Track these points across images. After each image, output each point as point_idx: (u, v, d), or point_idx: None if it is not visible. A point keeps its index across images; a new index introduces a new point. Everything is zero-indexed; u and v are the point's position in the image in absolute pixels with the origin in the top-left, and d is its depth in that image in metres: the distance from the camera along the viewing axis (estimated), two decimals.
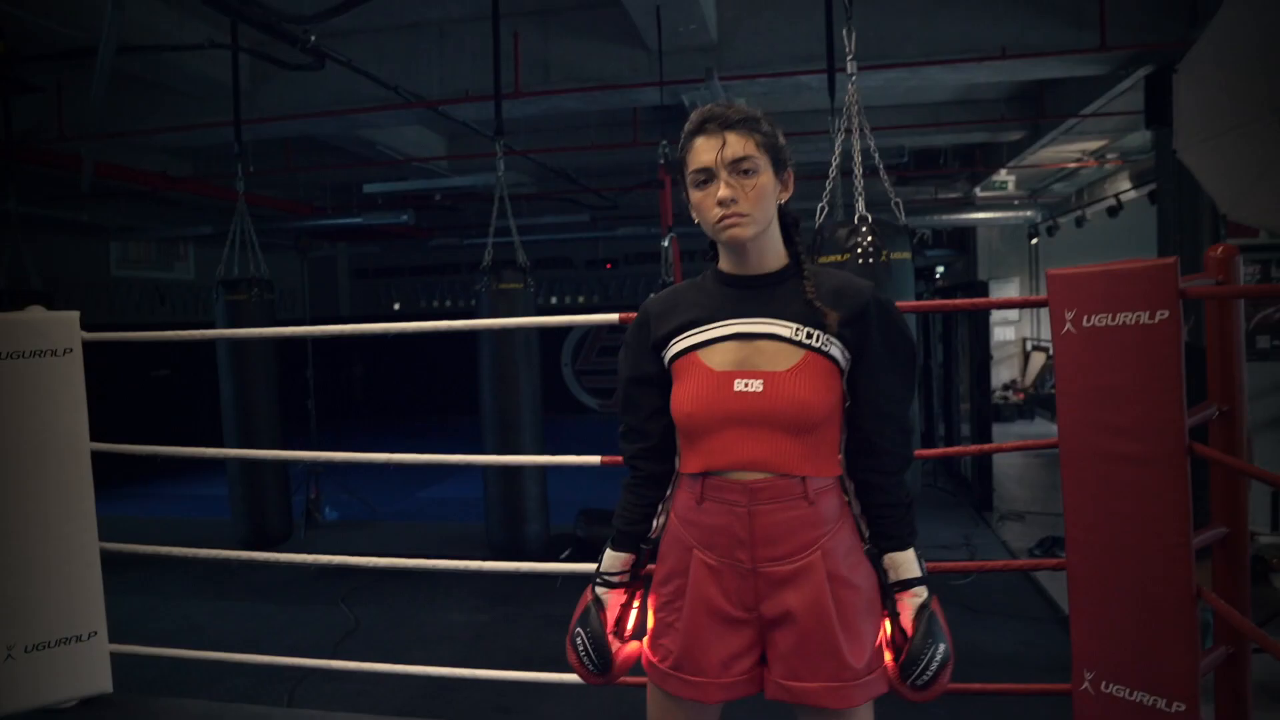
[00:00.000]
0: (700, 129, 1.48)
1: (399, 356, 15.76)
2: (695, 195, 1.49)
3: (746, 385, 1.46)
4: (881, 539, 1.55)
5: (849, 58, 3.39)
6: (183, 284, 12.31)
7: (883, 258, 3.06)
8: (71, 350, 2.85)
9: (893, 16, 5.91)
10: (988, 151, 10.49)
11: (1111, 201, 10.41)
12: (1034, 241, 12.89)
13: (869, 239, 3.08)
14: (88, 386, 2.87)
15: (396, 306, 16.09)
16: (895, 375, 1.53)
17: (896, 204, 3.20)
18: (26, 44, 6.21)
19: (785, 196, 1.55)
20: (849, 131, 3.30)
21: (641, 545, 1.66)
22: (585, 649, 1.61)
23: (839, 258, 3.10)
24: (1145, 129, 6.22)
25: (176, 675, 4.02)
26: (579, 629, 1.63)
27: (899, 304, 1.63)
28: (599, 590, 1.66)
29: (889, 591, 1.54)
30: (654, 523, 1.66)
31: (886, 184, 3.21)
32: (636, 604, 1.66)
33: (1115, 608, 2.12)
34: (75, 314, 2.90)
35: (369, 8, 6.49)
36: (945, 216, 11.92)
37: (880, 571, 1.54)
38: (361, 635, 4.87)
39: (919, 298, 10.59)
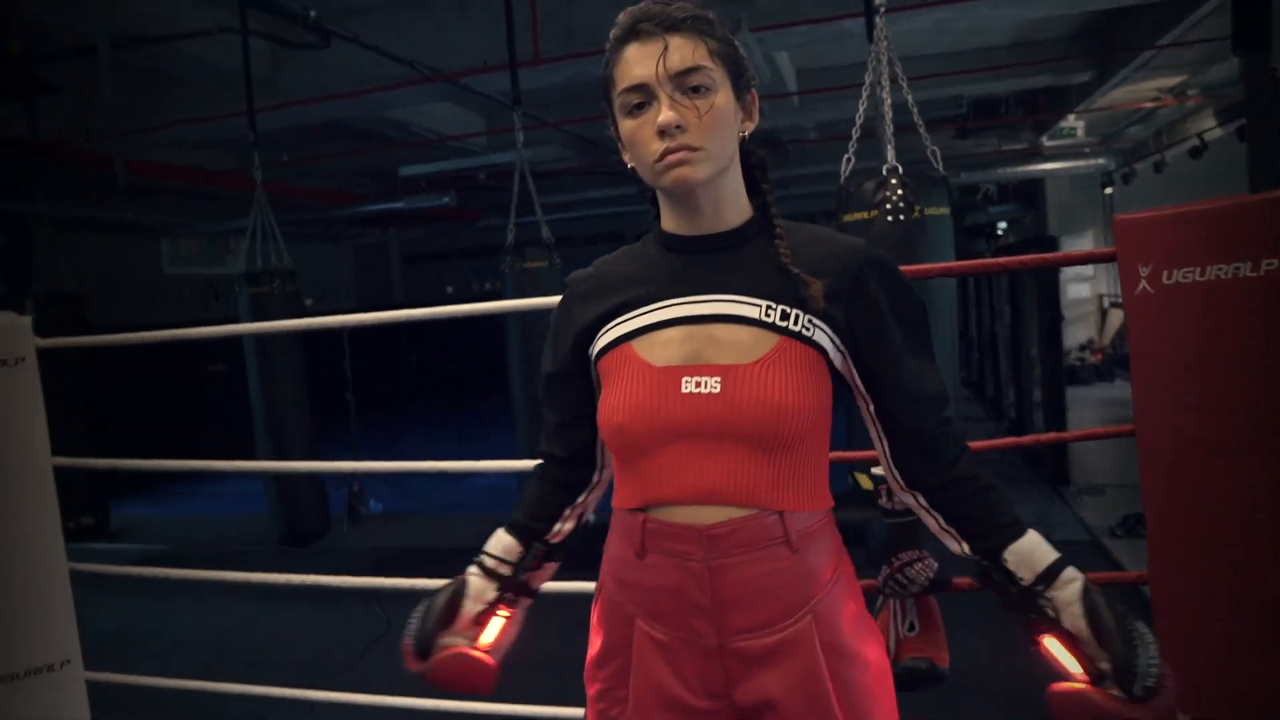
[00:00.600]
0: (632, 33, 1.09)
1: (454, 341, 15.64)
2: (627, 126, 1.10)
3: (698, 385, 1.08)
4: (990, 535, 1.14)
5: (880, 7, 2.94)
6: (234, 278, 12.31)
7: (915, 213, 2.64)
8: (24, 359, 2.60)
9: None
10: (1054, 96, 9.76)
11: (1194, 142, 9.61)
12: (1108, 191, 12.07)
13: (899, 192, 2.66)
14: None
15: (449, 290, 15.93)
16: (917, 346, 1.16)
17: (932, 152, 2.77)
18: (44, 43, 6.09)
19: (749, 128, 1.16)
20: (880, 83, 2.87)
21: (534, 543, 1.30)
22: (414, 631, 1.23)
23: (865, 215, 2.69)
24: (1233, 55, 5.57)
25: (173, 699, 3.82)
26: (422, 606, 1.25)
27: (935, 266, 1.22)
28: (470, 573, 1.29)
29: (1029, 597, 1.10)
30: (557, 526, 1.31)
31: (921, 127, 2.77)
32: (504, 614, 1.27)
33: (1211, 631, 1.70)
34: (26, 320, 2.66)
35: None
36: (1011, 169, 11.22)
37: (1003, 582, 1.12)
38: (391, 637, 4.63)
39: (981, 254, 10.04)
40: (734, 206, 1.15)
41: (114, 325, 9.42)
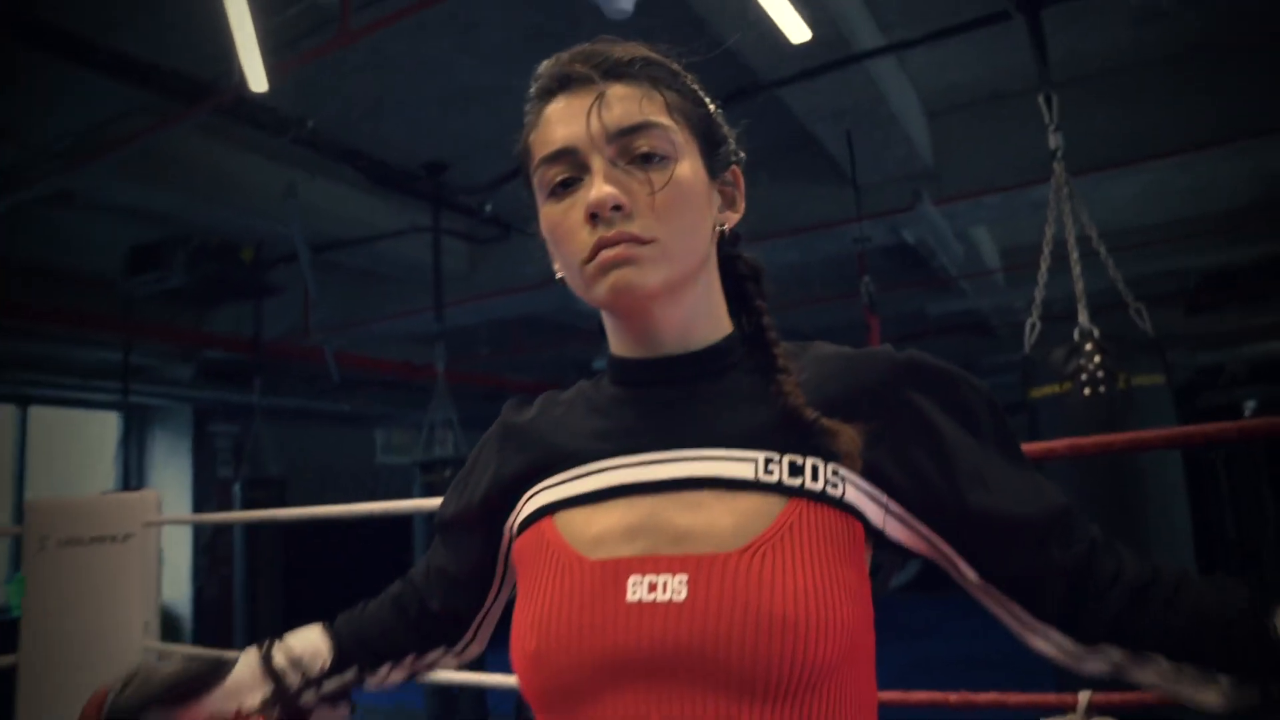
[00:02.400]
0: (558, 82, 0.78)
1: None
2: (549, 213, 0.77)
3: (653, 590, 0.69)
4: (1243, 621, 0.69)
5: (1056, 152, 2.62)
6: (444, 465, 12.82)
7: (1120, 383, 2.15)
8: (131, 535, 2.55)
9: (1149, 105, 4.96)
10: None
11: None
12: None
13: (1096, 359, 2.19)
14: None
15: None
16: (1005, 459, 0.75)
17: (1138, 311, 2.30)
18: (269, 249, 6.72)
19: (732, 220, 0.82)
20: (1062, 220, 2.49)
21: (350, 666, 0.92)
22: (118, 691, 0.85)
23: (1056, 388, 2.23)
24: None
25: None
26: (149, 668, 0.88)
27: (1147, 434, 0.91)
28: (245, 657, 0.91)
29: None
30: (386, 666, 0.93)
31: (1119, 282, 2.33)
32: None
33: None
34: (151, 494, 2.63)
35: None
36: (1262, 345, 9.98)
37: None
38: None
39: (1225, 445, 8.78)
40: (708, 323, 0.80)
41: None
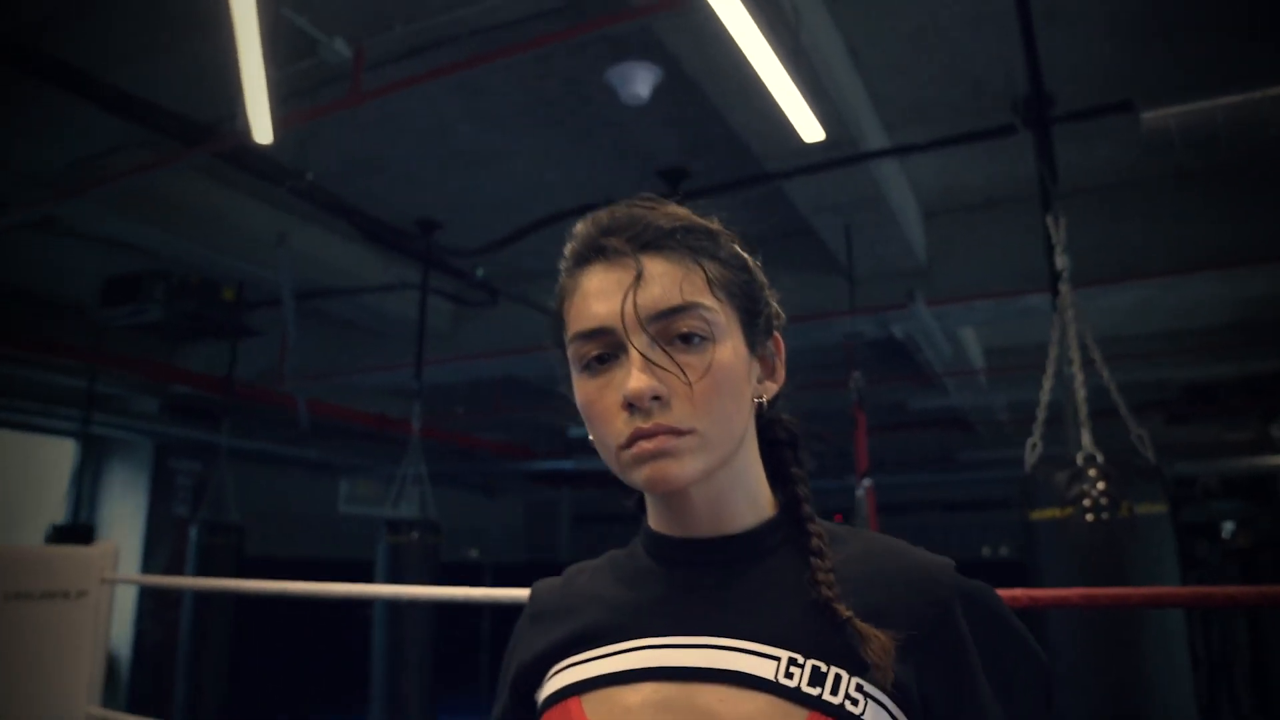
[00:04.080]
0: (594, 250, 0.76)
1: None
2: (584, 388, 0.76)
3: None
4: None
5: (1063, 273, 2.63)
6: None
7: (1123, 511, 2.12)
8: (85, 593, 2.43)
9: (1141, 225, 5.05)
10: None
11: None
12: None
13: (1100, 485, 2.16)
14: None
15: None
16: None
17: (1139, 437, 2.28)
18: (251, 291, 6.65)
19: (770, 391, 0.81)
20: (1067, 357, 2.48)
21: None
22: None
23: (1056, 512, 2.19)
24: None
25: None
26: None
27: (1157, 590, 0.86)
28: None
29: None
30: None
31: (1122, 408, 2.31)
32: None
33: None
34: (108, 547, 2.52)
35: (559, 246, 6.54)
36: (1236, 461, 10.07)
37: None
38: None
39: (1203, 563, 8.79)
40: (745, 502, 0.78)
41: (270, 558, 9.68)
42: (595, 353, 0.74)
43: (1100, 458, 2.23)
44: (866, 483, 4.19)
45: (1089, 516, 2.14)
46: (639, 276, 0.73)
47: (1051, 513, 2.19)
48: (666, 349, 0.72)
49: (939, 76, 4.15)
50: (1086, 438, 2.26)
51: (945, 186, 5.27)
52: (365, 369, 7.94)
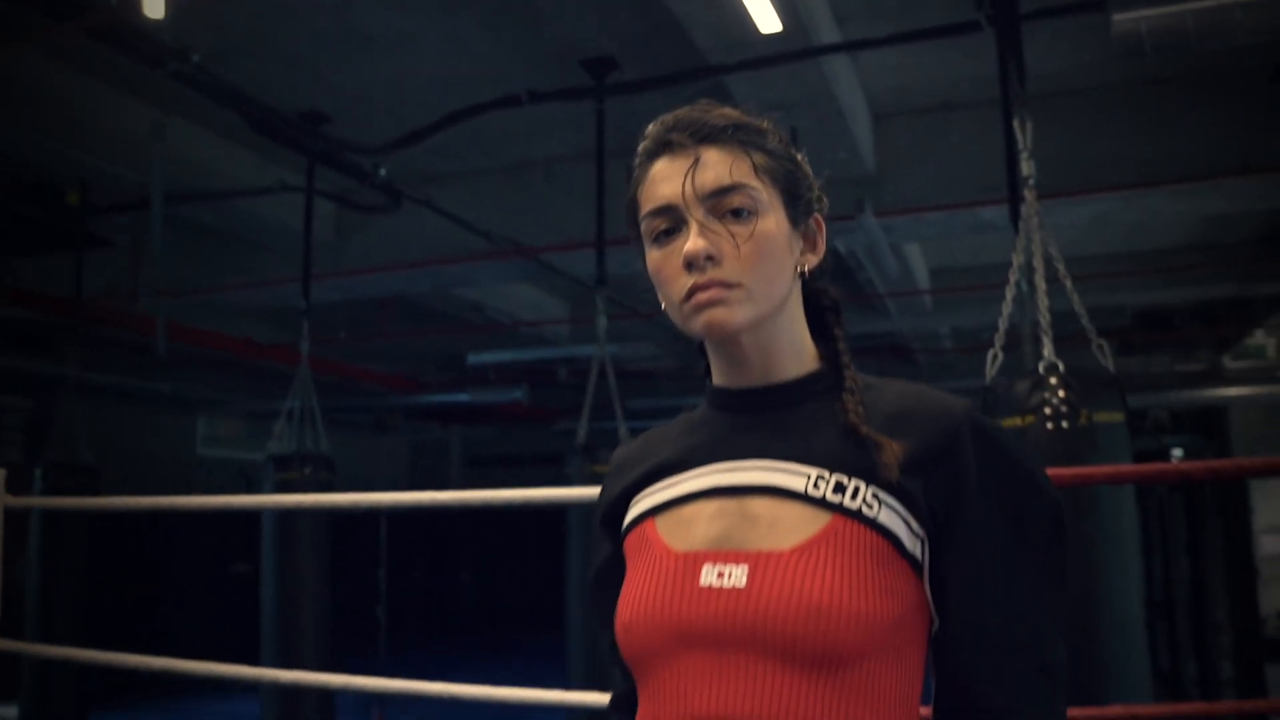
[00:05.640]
0: (662, 145, 1.04)
1: (515, 562, 15.46)
2: (653, 256, 1.04)
3: (720, 577, 0.97)
4: None
5: (1029, 179, 2.90)
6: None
7: (1081, 419, 2.44)
8: None
9: (1100, 135, 5.42)
10: (1237, 309, 9.56)
11: None
12: None
13: (1060, 394, 2.48)
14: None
15: None
16: (1024, 565, 0.98)
17: (1099, 347, 2.60)
18: (102, 194, 6.52)
19: (810, 261, 1.06)
20: (1031, 264, 2.77)
21: None
22: None
23: (1018, 421, 2.50)
24: None
25: None
26: None
27: (1099, 470, 1.07)
28: None
29: None
30: None
31: (1085, 319, 2.62)
32: None
33: None
34: None
35: (468, 146, 6.59)
36: (1186, 393, 10.85)
37: None
38: None
39: (1150, 492, 9.57)
40: (791, 356, 1.06)
41: (127, 507, 9.59)
42: (663, 226, 1.02)
43: (1061, 367, 2.54)
44: None
45: (1049, 425, 2.45)
46: (696, 162, 1.00)
47: (1013, 422, 2.50)
48: (719, 220, 0.99)
49: None
50: (1048, 347, 2.57)
51: (899, 86, 5.53)
52: (232, 286, 7.88)
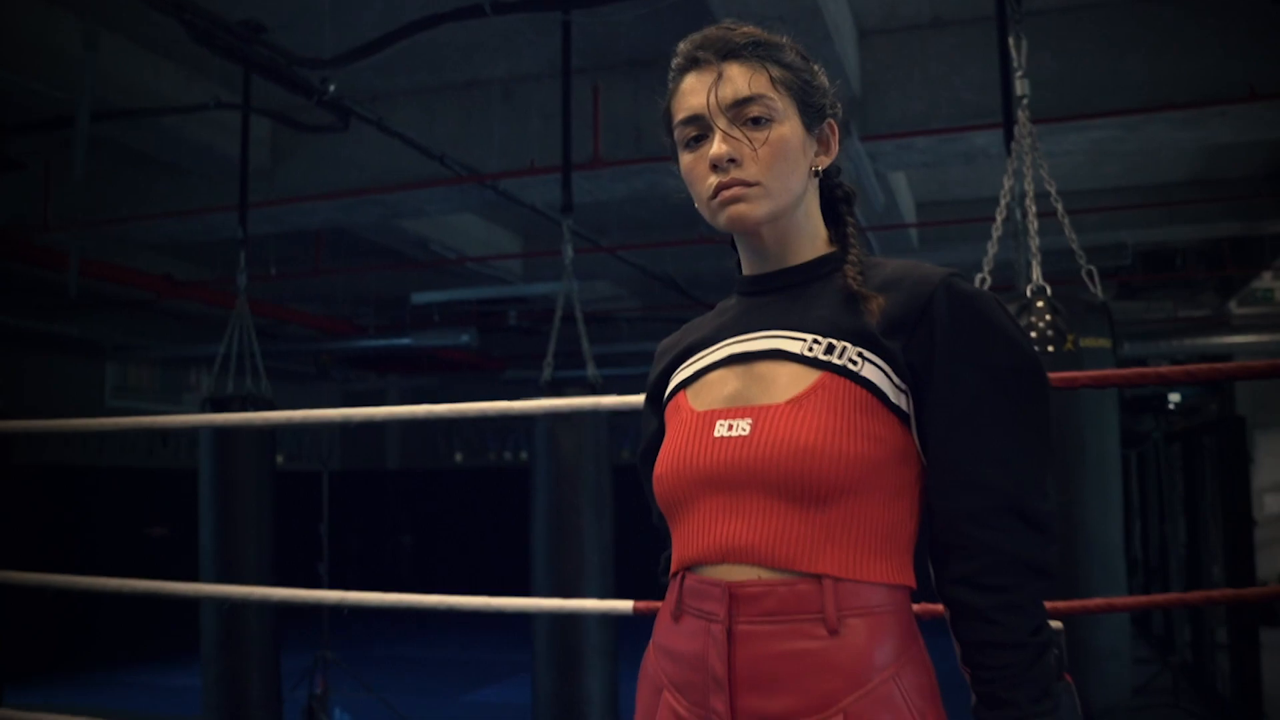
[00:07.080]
0: (690, 62, 1.33)
1: (458, 525, 15.72)
2: (685, 160, 1.34)
3: (729, 429, 1.27)
4: (981, 707, 1.21)
5: (1023, 99, 3.16)
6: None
7: (1067, 344, 2.74)
8: None
9: (1099, 57, 5.70)
10: (1244, 249, 9.93)
11: None
12: None
13: (1047, 318, 2.77)
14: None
15: (459, 458, 16.20)
16: (998, 414, 1.22)
17: (1089, 273, 2.90)
18: (10, 111, 6.57)
19: (824, 162, 1.37)
20: (1022, 172, 3.05)
21: None
22: None
23: None
24: None
25: None
26: None
27: (1081, 375, 1.33)
28: None
29: None
30: None
31: (1074, 243, 2.91)
32: None
33: None
34: None
35: (421, 64, 6.70)
36: (1189, 341, 11.27)
37: None
38: None
39: (1148, 436, 10.00)
40: (805, 241, 1.37)
41: (30, 463, 9.66)
42: (692, 134, 1.32)
43: (1049, 291, 2.83)
44: None
45: (1035, 349, 2.74)
46: (719, 77, 1.29)
47: None
48: (740, 127, 1.28)
49: None
50: (1036, 271, 2.86)
51: (886, 1, 5.77)
52: (151, 217, 7.92)
